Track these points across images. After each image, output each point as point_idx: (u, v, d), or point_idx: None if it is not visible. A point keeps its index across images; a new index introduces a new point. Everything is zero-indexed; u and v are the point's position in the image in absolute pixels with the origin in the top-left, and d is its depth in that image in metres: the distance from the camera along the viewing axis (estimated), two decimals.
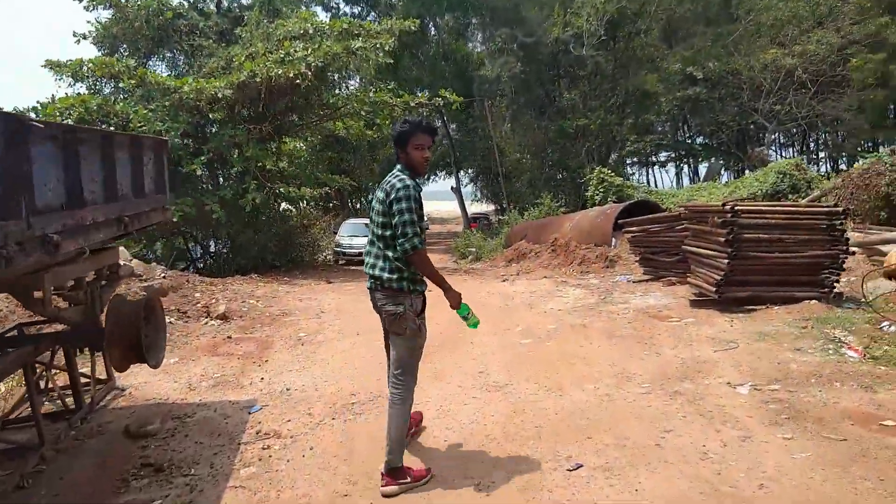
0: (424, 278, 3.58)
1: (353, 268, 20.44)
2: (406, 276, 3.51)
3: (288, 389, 5.18)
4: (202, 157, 14.01)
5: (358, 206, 46.47)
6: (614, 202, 17.44)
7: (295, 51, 13.05)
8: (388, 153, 40.09)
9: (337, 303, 9.63)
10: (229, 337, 7.15)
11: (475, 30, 37.57)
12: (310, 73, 12.69)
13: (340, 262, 22.37)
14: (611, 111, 28.13)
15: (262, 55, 13.53)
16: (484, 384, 5.07)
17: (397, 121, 3.81)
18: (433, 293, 3.55)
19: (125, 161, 4.01)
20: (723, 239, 7.07)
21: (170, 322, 7.46)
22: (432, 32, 36.67)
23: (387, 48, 13.77)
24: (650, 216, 10.79)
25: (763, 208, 7.27)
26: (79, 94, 14.46)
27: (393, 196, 3.45)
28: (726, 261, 7.03)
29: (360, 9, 35.04)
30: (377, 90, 16.66)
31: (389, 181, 3.52)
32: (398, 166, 3.61)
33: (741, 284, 7.23)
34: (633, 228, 10.72)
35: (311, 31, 13.77)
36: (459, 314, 3.59)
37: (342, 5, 34.62)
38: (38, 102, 13.58)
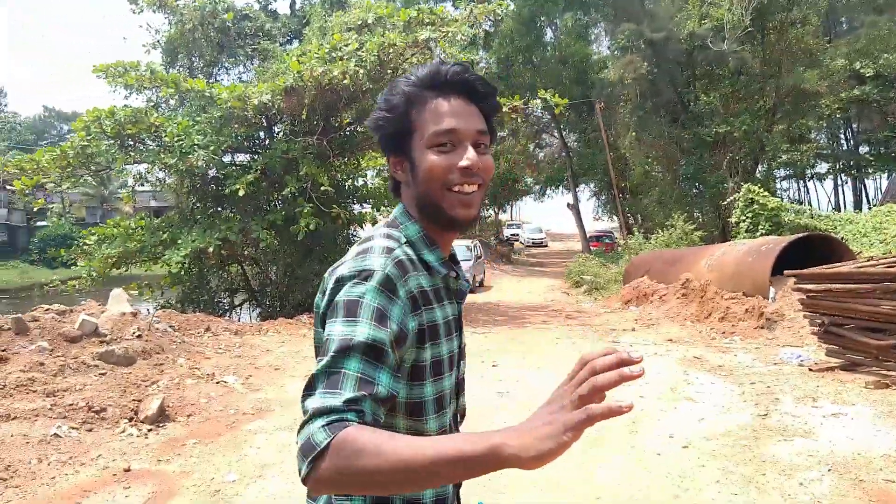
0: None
1: None
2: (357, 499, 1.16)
3: None
4: (248, 176, 11.76)
5: None
6: (766, 233, 13.38)
7: (346, 44, 10.41)
8: (501, 168, 37.39)
9: None
10: (127, 469, 4.45)
11: (601, 31, 33.86)
12: (361, 72, 9.97)
13: None
14: (758, 116, 23.55)
15: (312, 53, 11.06)
16: None
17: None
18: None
19: None
20: None
21: (54, 435, 4.89)
22: (549, 36, 33.43)
23: (459, 37, 10.78)
24: (836, 268, 7.00)
25: None
26: (125, 105, 12.71)
27: (327, 298, 1.12)
28: None
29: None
30: None
31: (340, 260, 1.17)
32: (396, 209, 1.29)
33: None
34: (809, 285, 6.99)
35: (370, 22, 11.10)
36: None
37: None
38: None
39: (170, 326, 8.92)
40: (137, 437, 5.08)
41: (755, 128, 22.81)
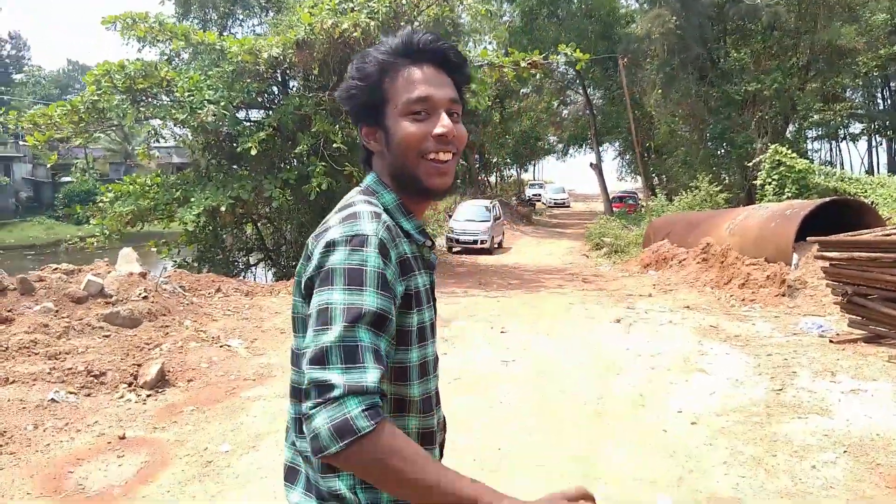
0: None
1: (462, 259, 17.58)
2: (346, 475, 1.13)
3: None
4: (261, 134, 11.57)
5: (492, 179, 43.65)
6: (793, 196, 12.93)
7: None
8: (524, 126, 36.69)
9: None
10: (122, 437, 4.40)
11: None
12: (372, 24, 9.63)
13: (454, 250, 19.52)
14: (791, 73, 22.66)
15: (324, 4, 10.70)
16: None
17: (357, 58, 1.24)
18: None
19: None
20: None
21: (51, 400, 4.85)
22: None
23: None
24: (860, 235, 6.67)
25: None
26: (137, 59, 12.49)
27: (315, 263, 1.08)
28: None
29: None
30: (482, 49, 13.34)
31: (324, 225, 1.15)
32: (368, 178, 1.27)
33: None
34: (833, 253, 6.68)
35: None
36: None
37: None
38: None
39: (180, 287, 8.86)
40: (135, 402, 5.02)
41: (787, 86, 22.00)
